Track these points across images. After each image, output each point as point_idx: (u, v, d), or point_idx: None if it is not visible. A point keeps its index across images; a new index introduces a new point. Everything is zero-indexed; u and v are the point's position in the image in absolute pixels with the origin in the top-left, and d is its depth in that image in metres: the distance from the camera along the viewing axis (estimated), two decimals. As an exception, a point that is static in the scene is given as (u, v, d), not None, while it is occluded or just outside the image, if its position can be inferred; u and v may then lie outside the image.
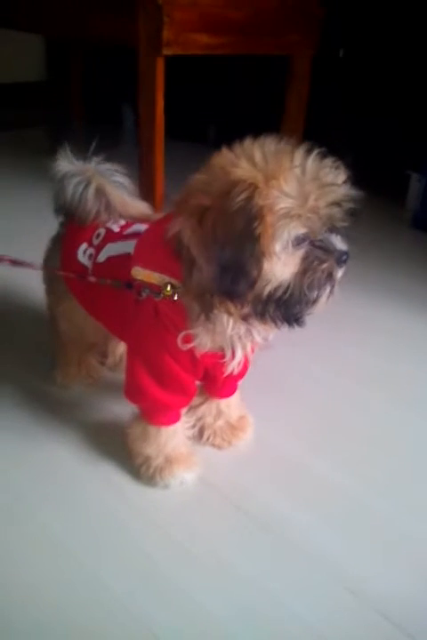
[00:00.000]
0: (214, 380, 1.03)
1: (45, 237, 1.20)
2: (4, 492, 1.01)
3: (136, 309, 0.94)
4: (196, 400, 1.10)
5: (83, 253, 1.07)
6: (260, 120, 2.77)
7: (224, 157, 0.80)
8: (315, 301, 0.82)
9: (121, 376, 1.27)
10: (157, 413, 1.01)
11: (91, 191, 1.07)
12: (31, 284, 1.36)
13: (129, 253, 0.97)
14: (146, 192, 2.07)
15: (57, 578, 0.87)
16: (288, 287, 0.78)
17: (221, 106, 3.01)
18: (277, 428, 1.18)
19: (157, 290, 0.87)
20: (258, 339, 0.89)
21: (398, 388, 1.36)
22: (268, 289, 0.78)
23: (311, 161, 0.77)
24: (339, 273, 0.82)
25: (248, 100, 2.89)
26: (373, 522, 0.99)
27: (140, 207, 1.13)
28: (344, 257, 0.81)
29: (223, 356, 0.92)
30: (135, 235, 1.01)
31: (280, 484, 1.06)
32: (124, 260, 0.97)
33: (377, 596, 0.86)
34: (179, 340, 0.89)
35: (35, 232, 1.30)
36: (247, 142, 0.80)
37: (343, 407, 1.27)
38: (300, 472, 1.09)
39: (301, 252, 0.78)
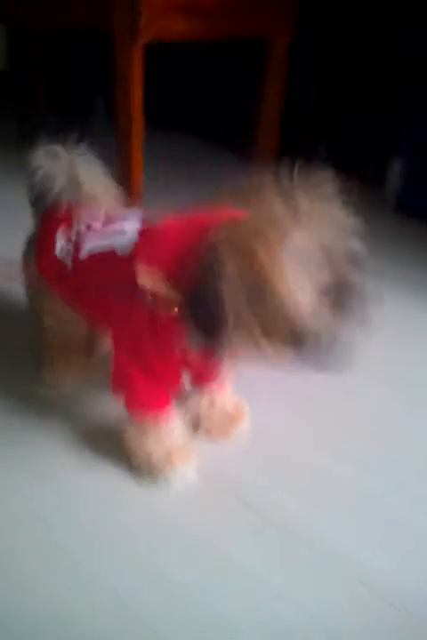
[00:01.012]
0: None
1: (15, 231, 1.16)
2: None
3: (132, 304, 0.90)
4: (186, 391, 1.09)
5: (61, 249, 1.03)
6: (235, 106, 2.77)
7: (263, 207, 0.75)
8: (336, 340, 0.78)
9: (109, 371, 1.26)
10: (147, 404, 0.98)
11: (62, 179, 1.04)
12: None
13: (113, 250, 0.94)
14: (122, 185, 2.02)
15: (58, 578, 0.84)
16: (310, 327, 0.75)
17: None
18: (276, 417, 1.16)
19: (161, 304, 0.85)
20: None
21: (397, 373, 1.35)
22: (287, 329, 0.75)
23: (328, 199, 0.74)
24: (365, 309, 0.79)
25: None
26: (379, 512, 0.98)
27: (108, 189, 1.11)
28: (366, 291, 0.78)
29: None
30: (118, 230, 0.98)
31: (282, 476, 1.04)
32: (108, 256, 0.95)
33: (390, 588, 0.85)
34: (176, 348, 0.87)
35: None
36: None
37: (342, 395, 1.25)
38: (301, 464, 1.07)
39: (315, 289, 0.74)
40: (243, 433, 1.10)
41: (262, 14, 2.24)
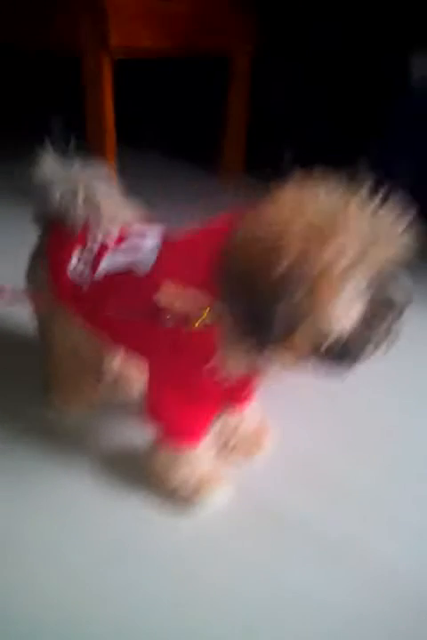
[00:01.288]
0: (235, 396, 0.99)
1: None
2: (16, 529, 0.92)
3: (156, 332, 0.87)
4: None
5: (73, 269, 0.99)
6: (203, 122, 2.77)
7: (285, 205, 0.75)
8: (369, 353, 0.79)
9: (121, 395, 1.22)
10: (182, 435, 0.94)
11: (80, 198, 0.99)
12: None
13: (131, 270, 0.91)
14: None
15: (99, 604, 0.82)
16: (347, 340, 0.76)
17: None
18: (295, 429, 1.14)
19: (184, 319, 0.82)
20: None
21: (405, 379, 1.36)
22: (327, 342, 0.75)
23: (371, 212, 0.73)
24: (399, 324, 0.78)
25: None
26: (407, 514, 0.98)
27: (130, 212, 1.06)
28: (406, 307, 0.77)
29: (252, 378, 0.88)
30: (134, 248, 0.95)
31: (311, 487, 1.02)
32: (126, 277, 0.92)
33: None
34: (207, 369, 0.84)
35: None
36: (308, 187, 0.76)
37: (355, 402, 1.26)
38: (329, 473, 1.06)
39: (360, 305, 0.75)
40: (267, 450, 1.08)
41: (225, 29, 2.26)
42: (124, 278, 0.92)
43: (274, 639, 0.79)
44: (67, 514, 0.96)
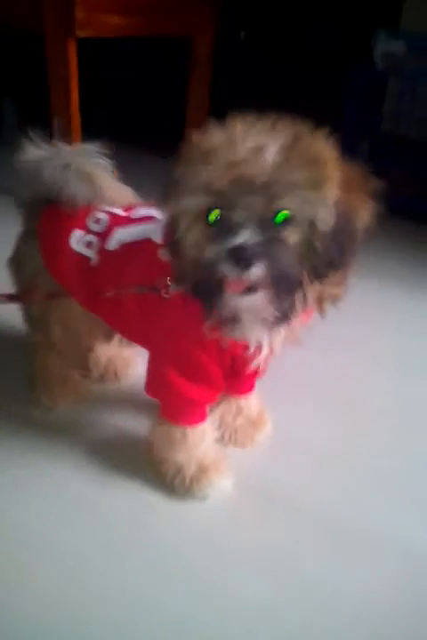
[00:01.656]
0: (236, 375, 0.95)
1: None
2: (13, 529, 0.89)
3: (162, 303, 0.84)
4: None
5: (77, 242, 0.95)
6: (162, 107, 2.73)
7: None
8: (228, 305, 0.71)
9: (110, 388, 1.19)
10: (182, 411, 0.92)
11: (73, 173, 0.95)
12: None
13: (149, 238, 0.88)
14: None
15: (85, 594, 0.80)
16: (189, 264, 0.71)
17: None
18: (295, 415, 1.14)
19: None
20: (285, 333, 0.80)
21: (402, 361, 1.38)
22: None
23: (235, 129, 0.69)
24: (231, 271, 0.66)
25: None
26: (416, 492, 1.00)
27: (124, 191, 1.03)
28: (237, 253, 0.65)
29: (247, 348, 0.84)
30: (147, 218, 0.92)
31: (312, 471, 1.02)
32: (143, 245, 0.88)
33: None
34: (206, 329, 0.81)
35: None
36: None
37: (352, 384, 1.27)
38: (330, 456, 1.06)
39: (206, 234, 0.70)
40: (267, 437, 1.07)
41: (188, 10, 2.23)
42: (143, 246, 0.89)
43: (284, 629, 0.78)
44: (62, 508, 0.93)
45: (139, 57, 2.68)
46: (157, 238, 0.86)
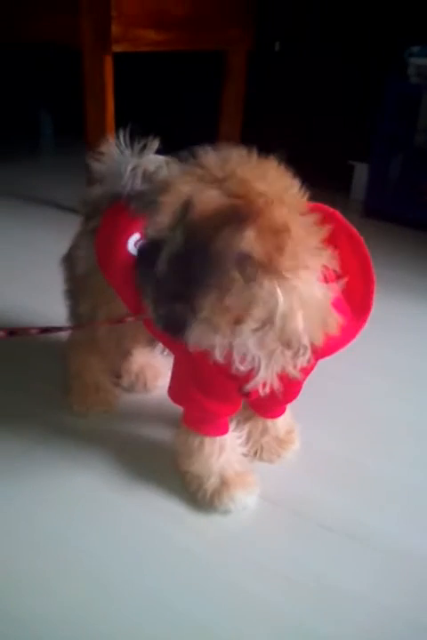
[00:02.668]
0: (262, 399, 0.95)
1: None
2: (38, 534, 0.90)
3: None
4: (241, 415, 1.04)
5: (135, 244, 0.96)
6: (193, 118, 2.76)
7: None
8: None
9: (139, 397, 1.21)
10: (202, 420, 0.93)
11: (147, 177, 0.98)
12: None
13: None
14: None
15: (122, 607, 0.80)
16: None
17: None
18: (318, 430, 1.14)
19: None
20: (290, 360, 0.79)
21: (409, 376, 1.37)
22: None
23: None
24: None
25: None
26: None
27: None
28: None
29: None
30: None
31: (338, 486, 1.02)
32: None
33: None
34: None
35: None
36: None
37: (381, 401, 1.26)
38: (356, 472, 1.05)
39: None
40: (294, 454, 1.07)
41: (226, 26, 2.25)
42: None
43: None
44: (88, 516, 0.94)
45: (173, 69, 2.71)
46: None
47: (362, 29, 2.30)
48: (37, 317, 1.43)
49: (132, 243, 0.96)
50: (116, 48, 1.82)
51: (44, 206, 2.31)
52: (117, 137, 1.02)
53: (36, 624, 0.77)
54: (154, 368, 1.23)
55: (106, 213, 1.02)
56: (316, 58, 2.43)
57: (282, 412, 1.04)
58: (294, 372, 0.79)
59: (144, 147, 1.01)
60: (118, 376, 1.21)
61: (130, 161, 0.99)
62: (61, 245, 1.10)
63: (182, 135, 2.93)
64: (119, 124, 2.07)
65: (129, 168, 0.98)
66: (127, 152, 1.00)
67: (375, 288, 0.80)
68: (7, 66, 3.04)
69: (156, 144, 1.01)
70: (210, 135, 2.49)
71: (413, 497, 1.00)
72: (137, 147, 1.01)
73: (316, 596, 0.82)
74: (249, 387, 0.84)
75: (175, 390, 0.94)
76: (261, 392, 0.84)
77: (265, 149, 0.72)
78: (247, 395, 0.91)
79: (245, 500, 0.95)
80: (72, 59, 2.06)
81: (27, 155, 2.90)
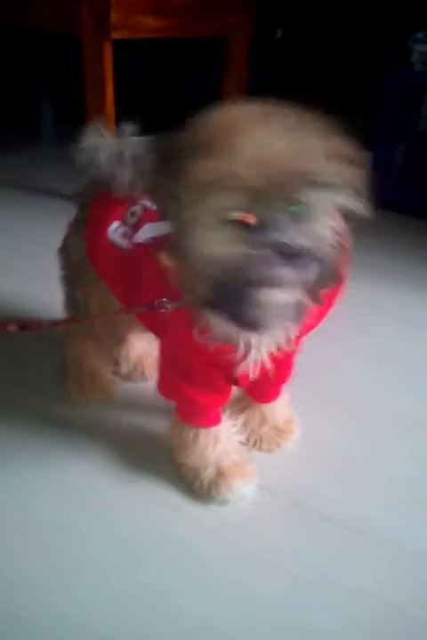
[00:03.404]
0: (256, 383, 0.94)
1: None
2: (34, 525, 0.90)
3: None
4: (238, 405, 1.04)
5: (114, 231, 0.96)
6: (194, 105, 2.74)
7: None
8: (261, 305, 0.66)
9: (137, 385, 1.20)
10: (193, 413, 0.92)
11: (126, 159, 0.95)
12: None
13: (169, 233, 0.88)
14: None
15: (115, 594, 0.80)
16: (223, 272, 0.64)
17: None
18: (317, 420, 1.13)
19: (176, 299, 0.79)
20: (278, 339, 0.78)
21: (410, 367, 1.36)
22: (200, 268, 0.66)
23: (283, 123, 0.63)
24: (286, 273, 0.63)
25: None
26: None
27: None
28: (289, 250, 0.61)
29: (234, 350, 0.80)
30: None
31: (337, 476, 1.01)
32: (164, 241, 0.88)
33: None
34: (195, 334, 0.79)
35: None
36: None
37: (375, 391, 1.25)
38: (357, 463, 1.05)
39: (237, 233, 0.63)
40: (293, 444, 1.06)
41: (227, 13, 2.23)
42: (159, 242, 0.87)
43: (308, 634, 0.77)
44: (85, 506, 0.94)
45: (174, 55, 2.69)
46: None
47: (365, 16, 2.27)
48: (40, 307, 1.43)
49: (112, 231, 0.96)
50: (116, 35, 1.81)
51: (45, 196, 2.30)
52: (96, 124, 1.01)
53: (32, 619, 0.76)
54: (152, 356, 1.22)
55: (93, 203, 1.02)
56: (318, 45, 2.40)
57: (277, 394, 1.03)
58: (286, 345, 0.78)
59: (121, 131, 0.99)
60: (116, 364, 1.20)
61: (108, 147, 0.97)
62: (61, 235, 1.10)
63: (184, 122, 2.93)
64: (121, 111, 2.07)
65: (107, 154, 0.96)
66: (105, 138, 1.00)
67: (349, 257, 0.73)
68: (7, 54, 3.02)
69: (131, 128, 0.99)
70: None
71: (415, 489, 1.00)
72: (115, 132, 1.00)
73: (317, 589, 0.81)
74: (239, 371, 0.83)
75: (163, 385, 0.94)
76: (251, 376, 0.84)
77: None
78: (236, 381, 0.90)
79: (243, 489, 0.94)
80: (73, 46, 2.04)
81: (27, 143, 2.88)
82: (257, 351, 0.80)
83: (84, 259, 1.02)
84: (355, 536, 0.90)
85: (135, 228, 0.95)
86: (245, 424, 1.05)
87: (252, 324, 0.70)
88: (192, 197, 0.64)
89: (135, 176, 0.96)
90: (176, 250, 0.70)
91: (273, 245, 0.61)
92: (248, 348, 0.79)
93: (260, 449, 1.05)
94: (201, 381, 0.88)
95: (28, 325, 0.95)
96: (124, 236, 0.95)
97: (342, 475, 1.01)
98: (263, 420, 1.05)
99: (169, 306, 0.81)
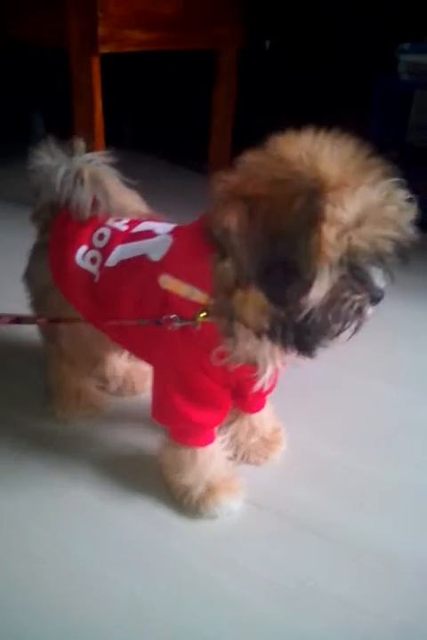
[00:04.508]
0: (244, 395, 0.96)
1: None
2: (26, 543, 0.90)
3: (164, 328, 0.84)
4: (227, 418, 1.02)
5: (82, 257, 0.95)
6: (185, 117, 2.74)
7: (287, 144, 0.70)
8: (336, 335, 0.72)
9: (127, 400, 1.20)
10: (190, 434, 0.92)
11: (85, 180, 0.96)
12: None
13: (144, 255, 0.88)
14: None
15: (111, 613, 0.80)
16: (312, 311, 0.67)
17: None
18: (305, 431, 1.13)
19: (189, 316, 0.79)
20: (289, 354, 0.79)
21: (407, 371, 1.36)
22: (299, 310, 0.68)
23: (385, 184, 0.68)
24: (370, 311, 0.71)
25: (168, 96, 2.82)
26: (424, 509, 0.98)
27: (136, 199, 1.04)
28: (379, 295, 0.70)
29: (254, 370, 0.84)
30: (147, 233, 0.92)
31: (325, 488, 1.01)
32: (140, 263, 0.88)
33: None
34: (212, 357, 0.81)
35: None
36: (314, 134, 0.70)
37: (359, 400, 1.25)
38: (344, 474, 1.05)
39: (336, 276, 0.67)
40: (281, 454, 1.06)
41: (216, 25, 2.24)
42: (139, 263, 0.89)
43: None
44: (75, 524, 0.94)
45: (164, 68, 2.69)
46: (154, 256, 0.86)
47: (353, 27, 2.29)
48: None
49: (80, 256, 0.95)
50: (104, 49, 1.81)
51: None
52: (49, 143, 1.00)
53: (24, 636, 0.77)
54: (141, 371, 1.22)
55: (53, 226, 1.00)
56: (306, 55, 2.41)
57: (263, 403, 1.03)
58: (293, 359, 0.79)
59: (73, 149, 0.99)
60: (104, 381, 1.19)
61: (61, 166, 0.97)
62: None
63: (175, 133, 2.95)
64: (111, 124, 2.07)
65: (61, 174, 0.96)
66: (58, 158, 0.99)
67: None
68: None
69: (83, 145, 1.00)
70: (202, 132, 2.50)
71: (400, 500, 1.00)
72: (67, 150, 0.99)
73: (301, 600, 0.82)
74: (256, 387, 0.86)
75: (159, 409, 0.93)
76: (265, 388, 0.87)
77: (257, 146, 0.71)
78: (244, 396, 0.94)
79: (231, 504, 0.94)
80: (64, 59, 2.04)
81: (18, 156, 2.86)
82: (272, 366, 0.82)
83: (49, 285, 1.00)
84: (340, 547, 0.90)
85: (104, 251, 0.93)
86: (233, 437, 1.04)
87: (311, 350, 0.73)
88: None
89: (97, 196, 0.95)
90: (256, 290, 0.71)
91: (371, 292, 0.70)
92: (265, 364, 0.81)
93: (248, 461, 1.05)
94: (205, 399, 0.88)
95: (22, 319, 0.95)
96: (94, 260, 0.94)
97: (328, 485, 1.02)
98: (252, 431, 1.05)
99: (178, 324, 0.81)
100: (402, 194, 0.69)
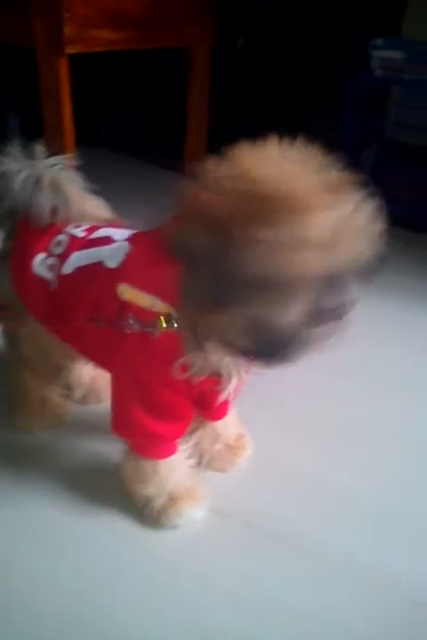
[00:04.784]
0: (208, 404, 0.93)
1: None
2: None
3: (122, 336, 0.82)
4: (190, 426, 1.00)
5: (40, 264, 0.93)
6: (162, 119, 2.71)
7: (254, 158, 0.66)
8: (313, 345, 0.70)
9: (92, 408, 1.18)
10: (151, 447, 0.90)
11: (45, 185, 0.93)
12: None
13: (100, 262, 0.85)
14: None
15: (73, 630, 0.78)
16: (290, 328, 0.66)
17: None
18: (271, 437, 1.11)
19: (149, 323, 0.77)
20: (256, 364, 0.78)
21: (376, 373, 1.34)
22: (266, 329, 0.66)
23: (356, 197, 0.66)
24: (345, 319, 0.70)
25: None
26: (391, 519, 0.96)
27: (98, 204, 1.00)
28: (354, 304, 0.69)
29: (219, 382, 0.82)
30: (104, 240, 0.89)
31: (292, 496, 0.99)
32: (96, 270, 0.85)
33: (410, 588, 0.85)
34: (174, 370, 0.79)
35: None
36: (280, 145, 0.67)
37: (332, 403, 1.23)
38: (310, 480, 1.03)
39: (313, 293, 0.65)
40: (246, 461, 1.04)
41: (186, 23, 2.21)
42: (95, 270, 0.86)
43: None
44: (37, 537, 0.91)
45: (137, 67, 2.66)
46: (111, 263, 0.84)
47: (325, 23, 2.26)
48: None
49: (38, 263, 0.93)
50: (70, 49, 1.78)
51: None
52: (14, 146, 0.97)
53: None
54: (106, 378, 1.18)
55: (16, 233, 0.98)
56: (279, 52, 2.39)
57: (226, 411, 1.01)
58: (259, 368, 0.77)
59: (32, 153, 0.96)
60: (68, 389, 1.17)
61: (22, 171, 0.94)
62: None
63: (151, 132, 2.92)
64: (84, 125, 2.04)
65: (20, 179, 0.93)
66: (21, 162, 0.96)
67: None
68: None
69: (43, 149, 0.97)
70: (178, 131, 2.47)
71: (370, 509, 0.98)
72: (28, 154, 0.96)
73: (266, 613, 0.80)
74: (221, 398, 0.85)
75: (119, 422, 0.90)
76: (231, 398, 0.86)
77: (233, 144, 0.68)
78: (209, 407, 0.93)
79: (193, 513, 0.93)
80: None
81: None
82: (238, 376, 0.81)
83: (11, 293, 0.98)
84: (306, 557, 0.89)
85: (61, 258, 0.91)
86: (197, 445, 1.02)
87: (285, 360, 0.70)
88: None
89: (57, 202, 0.93)
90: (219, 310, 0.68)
91: (343, 303, 0.68)
92: (230, 376, 0.80)
93: (213, 469, 1.03)
94: (166, 412, 0.86)
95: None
96: (51, 268, 0.92)
97: (295, 493, 1.00)
98: (216, 438, 1.03)
99: (135, 326, 0.78)
100: (372, 205, 0.68)
